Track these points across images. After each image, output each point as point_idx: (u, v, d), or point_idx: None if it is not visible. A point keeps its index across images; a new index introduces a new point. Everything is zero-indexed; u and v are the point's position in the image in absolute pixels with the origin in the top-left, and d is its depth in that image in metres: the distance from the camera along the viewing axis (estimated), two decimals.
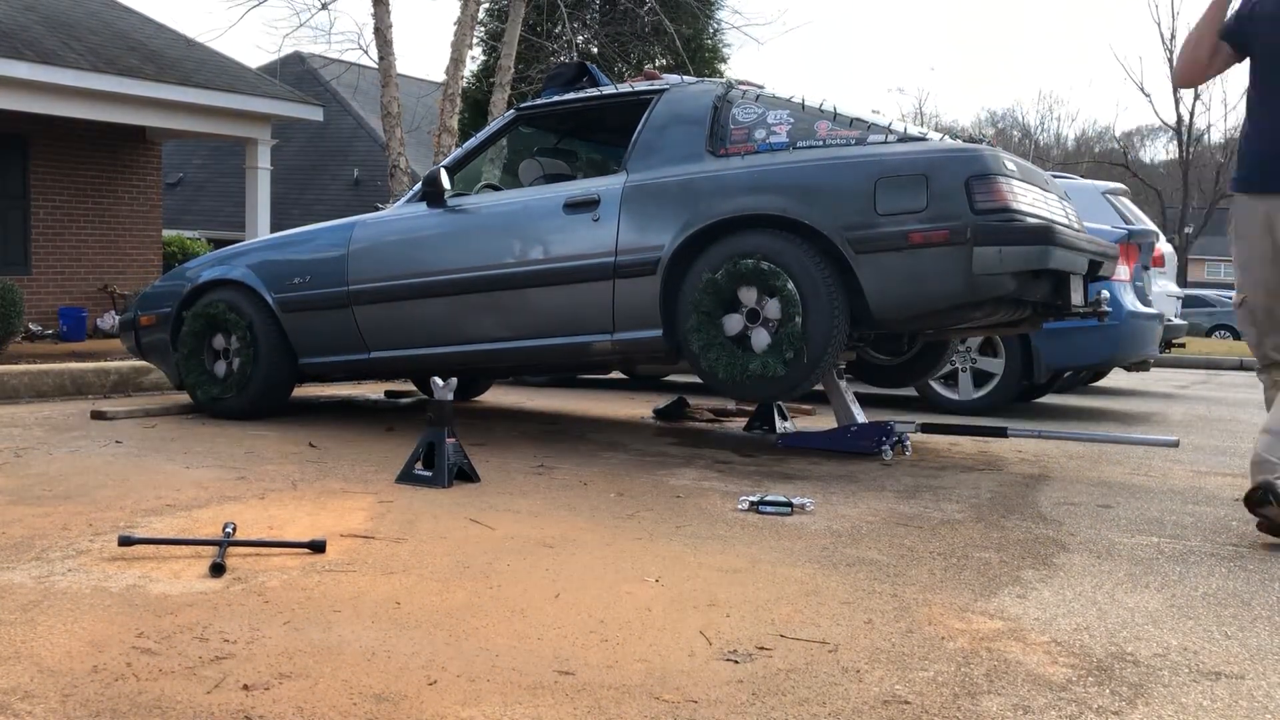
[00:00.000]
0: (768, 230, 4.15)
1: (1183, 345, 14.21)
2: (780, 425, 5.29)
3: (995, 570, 2.76)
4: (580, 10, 16.13)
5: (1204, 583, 2.70)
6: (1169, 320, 8.25)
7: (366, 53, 14.90)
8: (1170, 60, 34.97)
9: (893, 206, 3.97)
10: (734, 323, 4.19)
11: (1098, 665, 2.06)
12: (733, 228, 4.22)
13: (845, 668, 2.01)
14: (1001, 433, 4.63)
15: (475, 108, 14.51)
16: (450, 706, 1.79)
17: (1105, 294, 4.89)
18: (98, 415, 5.25)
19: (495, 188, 5.36)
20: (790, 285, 4.04)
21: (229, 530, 2.75)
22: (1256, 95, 3.47)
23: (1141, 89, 72.19)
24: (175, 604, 2.29)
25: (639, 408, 6.42)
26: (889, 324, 4.23)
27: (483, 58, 16.09)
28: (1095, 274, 4.59)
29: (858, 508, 3.51)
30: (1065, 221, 4.38)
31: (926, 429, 4.75)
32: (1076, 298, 4.42)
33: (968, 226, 3.87)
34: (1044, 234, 3.95)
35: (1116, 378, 10.45)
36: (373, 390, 7.25)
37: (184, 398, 5.76)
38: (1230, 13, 3.51)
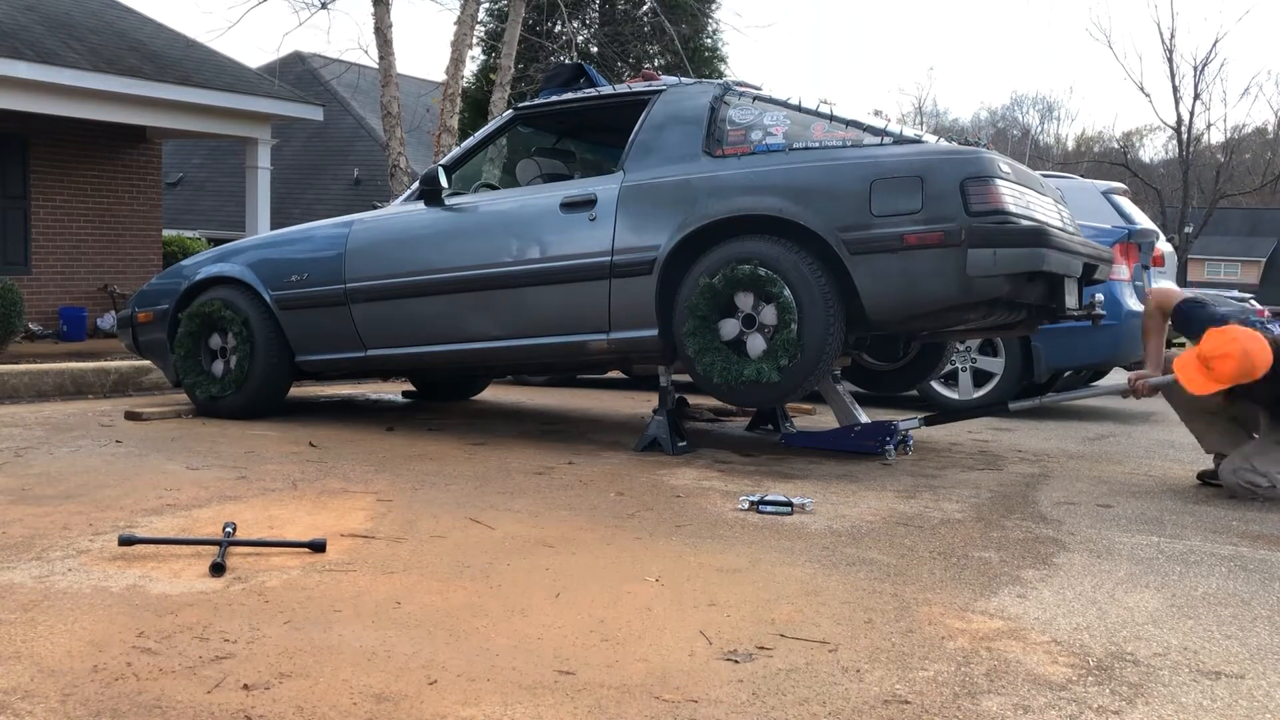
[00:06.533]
0: (764, 234, 4.16)
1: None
2: (784, 426, 5.29)
3: (995, 570, 2.76)
4: (580, 10, 16.12)
5: (1204, 583, 2.70)
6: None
7: (366, 53, 14.92)
8: (1170, 60, 34.97)
9: (888, 208, 3.97)
10: (730, 328, 4.20)
11: (1098, 665, 2.06)
12: (729, 229, 4.22)
13: (845, 667, 2.01)
14: (1004, 410, 4.62)
15: (475, 108, 14.50)
16: (450, 706, 1.79)
17: (1100, 297, 4.88)
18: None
19: (493, 187, 5.36)
20: (786, 292, 4.05)
21: (229, 530, 2.75)
22: None
23: (1141, 89, 72.09)
24: (175, 604, 2.29)
25: (639, 407, 6.42)
26: (884, 325, 4.23)
27: (483, 57, 16.08)
28: (1090, 277, 4.59)
29: (858, 507, 3.51)
30: (1060, 225, 4.38)
31: (930, 421, 4.76)
32: (1071, 300, 4.42)
33: (962, 228, 3.88)
34: (1038, 236, 3.95)
35: (1116, 377, 10.44)
36: (373, 390, 7.25)
37: None
38: None
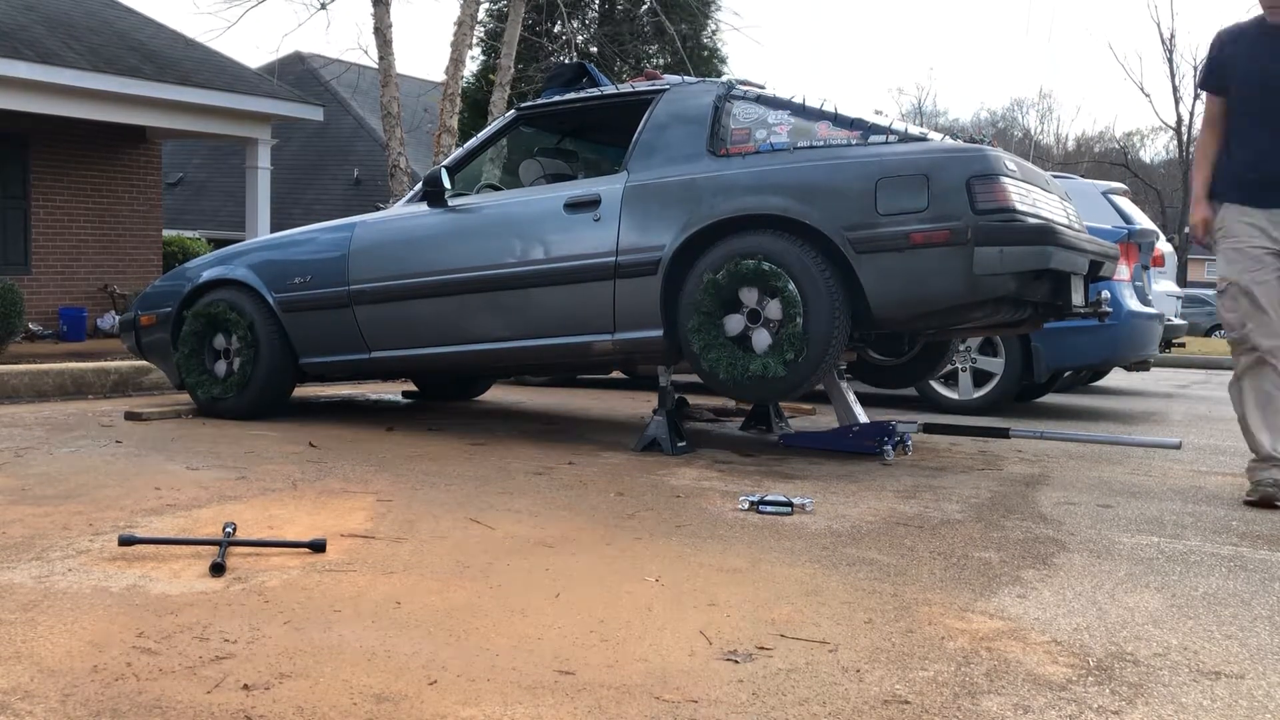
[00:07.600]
0: (769, 231, 4.15)
1: (1183, 345, 14.20)
2: (777, 425, 5.29)
3: (995, 570, 2.76)
4: (580, 10, 16.13)
5: (1204, 583, 2.70)
6: (1169, 320, 8.25)
7: (366, 53, 14.93)
8: (1170, 60, 35.01)
9: (894, 206, 3.97)
10: (735, 323, 4.19)
11: (1098, 665, 2.06)
12: (734, 228, 4.22)
13: (845, 667, 2.01)
14: (1004, 434, 4.63)
15: (475, 108, 14.51)
16: (450, 706, 1.79)
17: (1106, 294, 4.89)
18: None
19: (496, 188, 5.36)
20: (791, 286, 4.04)
21: (229, 530, 2.75)
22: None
23: (1141, 89, 72.16)
24: (175, 604, 2.29)
25: (639, 407, 6.42)
26: (890, 324, 4.23)
27: (483, 58, 16.10)
28: (1096, 274, 4.59)
29: (858, 508, 3.51)
30: (1066, 222, 4.38)
31: (929, 429, 4.75)
32: (1077, 298, 4.42)
33: (969, 227, 3.87)
34: (1045, 234, 3.95)
35: (1116, 377, 10.45)
36: (373, 390, 7.25)
37: None
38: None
